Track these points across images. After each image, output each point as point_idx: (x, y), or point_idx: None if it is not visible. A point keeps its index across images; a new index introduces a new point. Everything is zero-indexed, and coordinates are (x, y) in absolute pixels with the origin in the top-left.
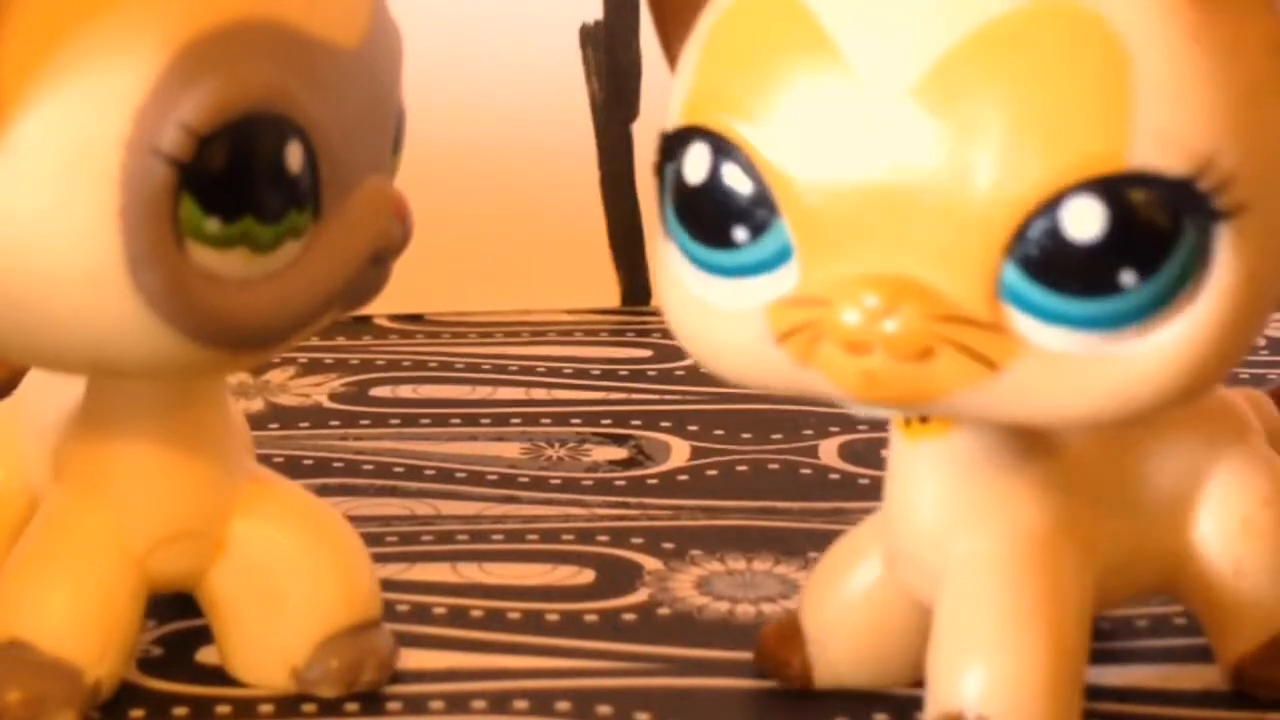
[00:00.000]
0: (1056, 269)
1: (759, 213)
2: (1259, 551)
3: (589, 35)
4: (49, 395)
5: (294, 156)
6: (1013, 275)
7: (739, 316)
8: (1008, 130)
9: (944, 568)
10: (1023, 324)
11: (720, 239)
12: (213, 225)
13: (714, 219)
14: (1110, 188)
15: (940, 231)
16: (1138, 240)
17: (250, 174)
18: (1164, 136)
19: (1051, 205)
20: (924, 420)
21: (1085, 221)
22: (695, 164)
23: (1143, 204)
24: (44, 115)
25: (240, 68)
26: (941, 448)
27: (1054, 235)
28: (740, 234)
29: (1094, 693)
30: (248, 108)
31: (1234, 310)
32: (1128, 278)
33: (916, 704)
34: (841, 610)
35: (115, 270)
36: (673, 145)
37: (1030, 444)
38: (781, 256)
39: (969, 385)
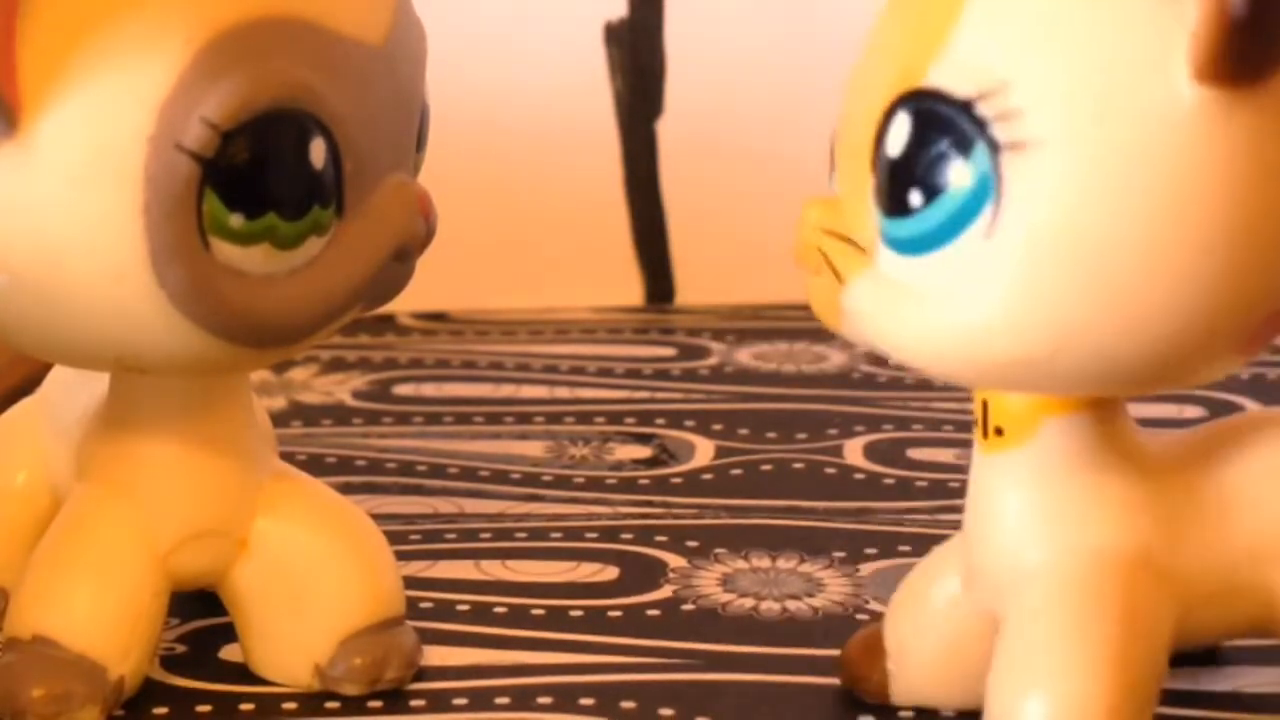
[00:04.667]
0: (879, 187)
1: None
2: None
3: (613, 33)
4: (72, 392)
5: (317, 152)
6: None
7: None
8: (875, 53)
9: (1017, 584)
10: (880, 247)
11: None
12: (236, 221)
13: None
14: (912, 103)
15: (854, 162)
16: (924, 160)
17: (274, 170)
18: (964, 58)
19: (885, 122)
20: (1000, 432)
21: (897, 138)
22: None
23: (931, 122)
24: (67, 111)
25: (264, 63)
26: (1017, 459)
27: (880, 152)
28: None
29: (1160, 696)
30: (271, 103)
31: (1045, 255)
32: (915, 198)
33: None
34: (919, 628)
35: (138, 266)
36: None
37: (1115, 460)
38: None
39: (835, 300)
